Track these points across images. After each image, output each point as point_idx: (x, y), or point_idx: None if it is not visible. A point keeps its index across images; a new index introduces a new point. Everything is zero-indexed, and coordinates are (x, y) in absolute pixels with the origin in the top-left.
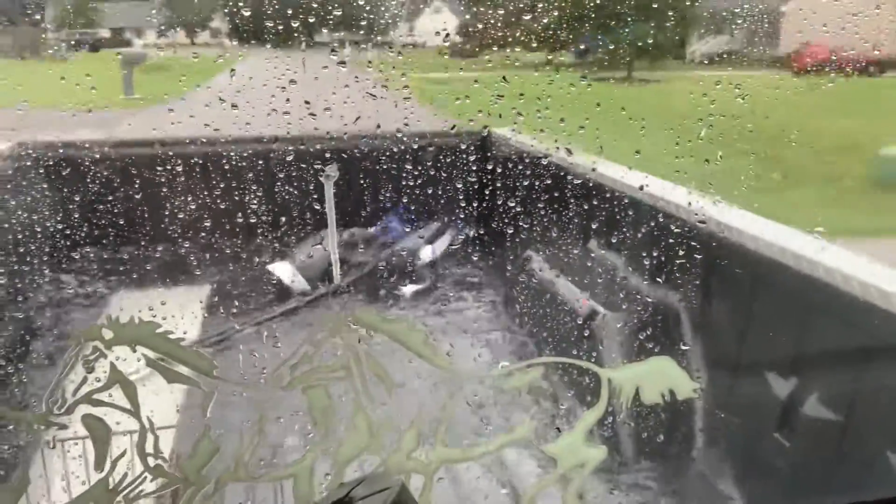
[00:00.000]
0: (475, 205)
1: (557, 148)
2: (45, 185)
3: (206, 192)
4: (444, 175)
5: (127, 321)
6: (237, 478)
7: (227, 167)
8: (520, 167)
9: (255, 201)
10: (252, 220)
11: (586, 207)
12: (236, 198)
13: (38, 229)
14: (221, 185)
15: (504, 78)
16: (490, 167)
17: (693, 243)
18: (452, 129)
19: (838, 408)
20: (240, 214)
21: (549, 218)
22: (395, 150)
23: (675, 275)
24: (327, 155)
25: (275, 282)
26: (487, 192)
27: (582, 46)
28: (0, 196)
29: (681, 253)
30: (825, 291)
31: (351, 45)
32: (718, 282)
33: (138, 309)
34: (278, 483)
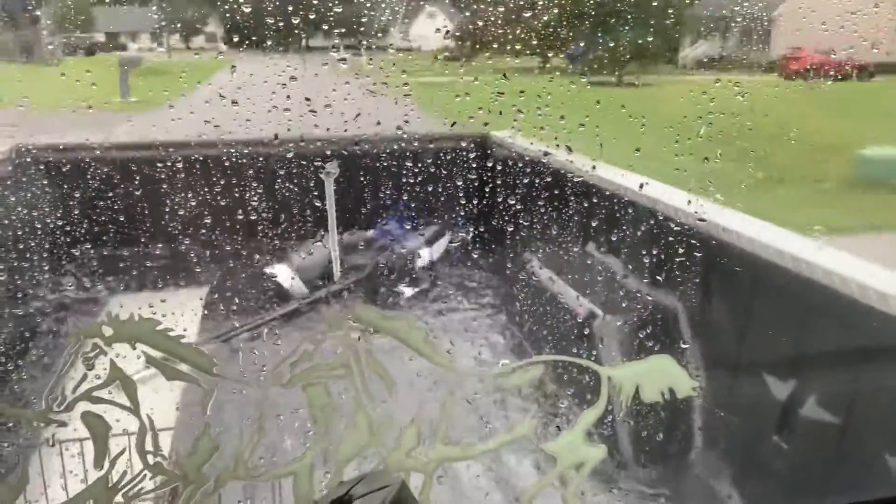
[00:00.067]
0: (474, 206)
1: (557, 146)
2: (44, 186)
3: (203, 195)
4: (443, 177)
5: (127, 318)
6: (237, 476)
7: (226, 165)
8: (519, 166)
9: (254, 201)
10: (250, 222)
11: (584, 210)
12: (235, 196)
13: (39, 226)
14: (219, 186)
15: (504, 75)
16: (489, 169)
17: (692, 243)
18: (452, 125)
19: (836, 409)
20: (238, 214)
21: (547, 220)
22: (396, 148)
23: (673, 277)
24: (328, 152)
25: (273, 284)
26: (486, 194)
27: (573, 47)
28: None
29: (678, 256)
30: (823, 293)
31: (346, 49)
32: (716, 284)
33: (138, 306)
34: (277, 481)
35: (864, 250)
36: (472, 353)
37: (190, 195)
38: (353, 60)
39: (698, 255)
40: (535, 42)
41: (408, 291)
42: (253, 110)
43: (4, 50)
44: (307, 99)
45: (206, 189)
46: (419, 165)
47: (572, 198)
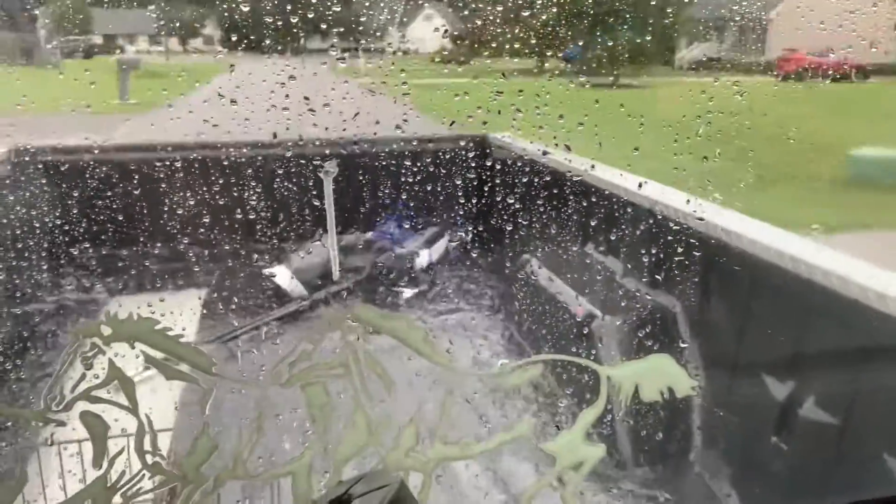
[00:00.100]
0: (473, 206)
1: (556, 145)
2: (43, 186)
3: (202, 195)
4: (442, 176)
5: (125, 317)
6: (235, 476)
7: (224, 165)
8: (518, 166)
9: (253, 200)
10: (249, 222)
11: (583, 209)
12: (234, 196)
13: (37, 226)
14: (217, 186)
15: (503, 74)
16: (488, 168)
17: (691, 242)
18: (451, 124)
19: (835, 409)
20: (237, 213)
21: (546, 221)
22: (395, 148)
23: (672, 277)
24: (327, 151)
25: (272, 285)
26: (486, 194)
27: (571, 47)
28: None
29: (677, 255)
30: (822, 294)
31: (344, 51)
32: (715, 284)
33: (137, 306)
34: (275, 481)
35: (853, 248)
36: (471, 352)
37: (189, 195)
38: (352, 61)
39: (697, 254)
40: (532, 42)
41: (407, 292)
42: (252, 109)
43: (3, 51)
44: (306, 98)
45: (204, 189)
46: (418, 165)
47: (571, 197)
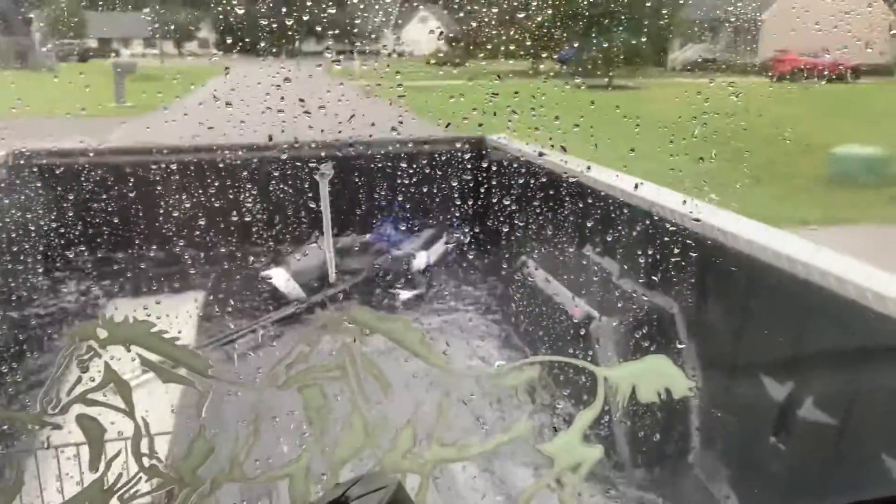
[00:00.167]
0: (469, 208)
1: (552, 146)
2: (39, 190)
3: (198, 198)
4: (438, 178)
5: (121, 320)
6: (233, 478)
7: (220, 168)
8: (514, 167)
9: (249, 203)
10: (245, 224)
11: (580, 210)
12: (230, 198)
13: (33, 229)
14: (213, 189)
15: (498, 76)
16: (484, 170)
17: (688, 243)
18: (447, 126)
19: (834, 409)
20: (233, 216)
21: (543, 222)
22: (391, 150)
23: (669, 278)
24: (322, 154)
25: (269, 289)
26: (482, 195)
27: (566, 48)
28: None
29: (674, 256)
30: (820, 294)
31: (339, 53)
32: (712, 285)
33: (133, 309)
34: (273, 483)
35: (832, 241)
36: (468, 354)
37: (185, 198)
38: (347, 63)
39: (694, 255)
40: (528, 44)
41: (404, 294)
42: (247, 112)
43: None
44: (301, 100)
45: (200, 192)
46: (414, 167)
47: (568, 199)
